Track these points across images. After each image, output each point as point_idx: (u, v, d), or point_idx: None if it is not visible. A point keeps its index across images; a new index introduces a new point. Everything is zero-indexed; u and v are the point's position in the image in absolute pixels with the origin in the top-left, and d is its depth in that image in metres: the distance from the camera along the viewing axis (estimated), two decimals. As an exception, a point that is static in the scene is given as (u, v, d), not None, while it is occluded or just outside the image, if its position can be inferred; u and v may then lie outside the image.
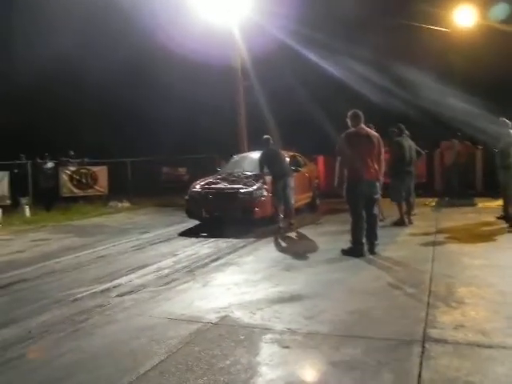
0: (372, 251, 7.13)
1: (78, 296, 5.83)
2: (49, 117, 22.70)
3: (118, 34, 20.69)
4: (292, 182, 10.15)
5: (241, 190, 10.34)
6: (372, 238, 7.20)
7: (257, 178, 10.70)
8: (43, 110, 22.80)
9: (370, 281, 5.83)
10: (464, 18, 16.75)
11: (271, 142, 10.50)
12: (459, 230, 8.94)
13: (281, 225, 9.96)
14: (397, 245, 7.90)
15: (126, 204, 16.25)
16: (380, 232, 7.81)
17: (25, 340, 4.51)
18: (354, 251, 7.07)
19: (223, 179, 11.18)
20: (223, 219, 10.16)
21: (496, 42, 16.69)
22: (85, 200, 16.29)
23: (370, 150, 7.13)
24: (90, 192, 16.69)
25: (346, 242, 7.30)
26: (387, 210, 10.05)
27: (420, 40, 17.92)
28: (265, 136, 10.53)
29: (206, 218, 10.65)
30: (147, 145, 20.48)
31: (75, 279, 6.75)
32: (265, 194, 10.26)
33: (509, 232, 8.60)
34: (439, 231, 8.78)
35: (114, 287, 6.18)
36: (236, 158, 13.00)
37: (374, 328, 4.30)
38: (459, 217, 10.60)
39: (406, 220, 9.68)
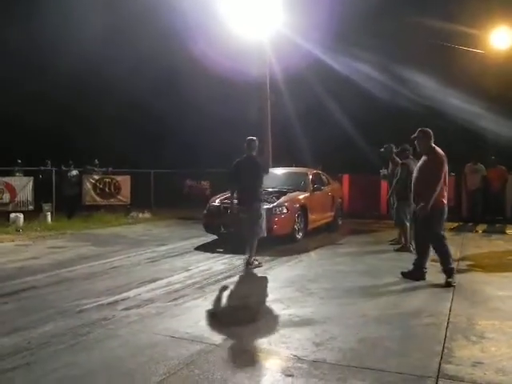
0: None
1: (84, 307, 5.69)
2: (78, 123, 22.94)
3: (151, 46, 20.91)
4: (262, 211, 8.07)
5: None
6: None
7: (279, 194, 10.52)
8: (73, 117, 23.09)
9: (386, 308, 5.56)
10: (500, 40, 16.46)
11: (255, 147, 8.04)
12: (484, 258, 8.60)
13: (251, 258, 7.96)
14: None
15: (147, 215, 16.18)
16: (401, 257, 7.58)
17: (23, 351, 4.36)
18: (452, 273, 6.66)
19: None
20: (241, 235, 9.86)
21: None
22: (107, 209, 16.26)
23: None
24: (112, 201, 16.67)
25: (365, 264, 7.03)
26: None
27: (455, 60, 17.67)
28: (249, 137, 8.13)
29: (223, 233, 10.31)
30: (173, 156, 20.49)
31: (84, 290, 6.62)
32: (285, 211, 10.03)
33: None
34: (463, 258, 8.43)
35: (122, 300, 6.02)
36: None
37: (385, 359, 4.04)
38: (485, 243, 10.24)
39: (411, 246, 9.25)
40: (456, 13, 17.17)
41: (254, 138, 8.13)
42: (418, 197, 6.73)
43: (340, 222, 13.39)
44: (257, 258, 8.07)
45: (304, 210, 10.74)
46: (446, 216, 6.71)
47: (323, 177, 12.95)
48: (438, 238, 6.67)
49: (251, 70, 15.66)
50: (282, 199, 10.29)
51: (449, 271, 6.61)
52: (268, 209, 9.61)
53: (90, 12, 19.90)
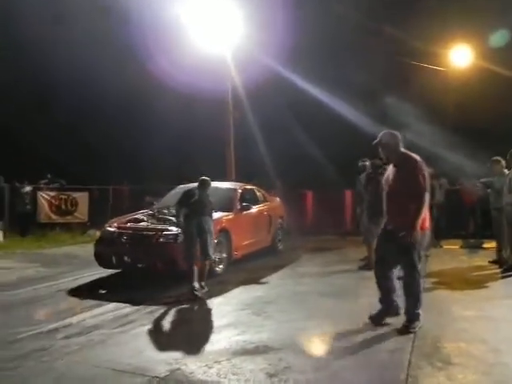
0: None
1: (20, 336, 5.18)
2: (33, 138, 22.14)
3: (111, 63, 20.45)
4: (211, 224, 7.30)
5: (164, 232, 7.80)
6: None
7: None
8: (29, 132, 22.28)
9: (347, 332, 5.19)
10: (460, 58, 16.63)
11: (208, 185, 7.49)
12: (449, 275, 8.36)
13: (196, 285, 7.04)
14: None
15: (105, 233, 15.55)
16: (364, 275, 7.30)
17: None
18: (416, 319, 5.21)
19: (151, 216, 8.92)
20: (141, 270, 7.98)
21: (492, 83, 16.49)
22: (64, 227, 15.58)
23: None
24: (68, 219, 16.00)
25: (328, 284, 6.65)
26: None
27: (416, 77, 17.72)
28: (202, 178, 7.53)
29: (120, 266, 8.28)
30: (133, 173, 19.99)
31: (25, 316, 6.10)
32: None
33: (503, 278, 8.06)
34: (427, 275, 8.13)
35: (63, 327, 5.52)
36: (179, 189, 9.69)
37: (344, 392, 3.69)
38: (449, 259, 10.03)
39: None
40: (416, 31, 17.24)
41: (208, 178, 7.51)
42: (392, 218, 5.33)
43: (280, 247, 11.45)
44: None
45: (226, 234, 8.82)
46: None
47: (258, 193, 11.15)
48: (415, 272, 5.26)
49: (214, 85, 15.39)
50: None
51: (415, 316, 5.22)
52: (172, 235, 7.90)
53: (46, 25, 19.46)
